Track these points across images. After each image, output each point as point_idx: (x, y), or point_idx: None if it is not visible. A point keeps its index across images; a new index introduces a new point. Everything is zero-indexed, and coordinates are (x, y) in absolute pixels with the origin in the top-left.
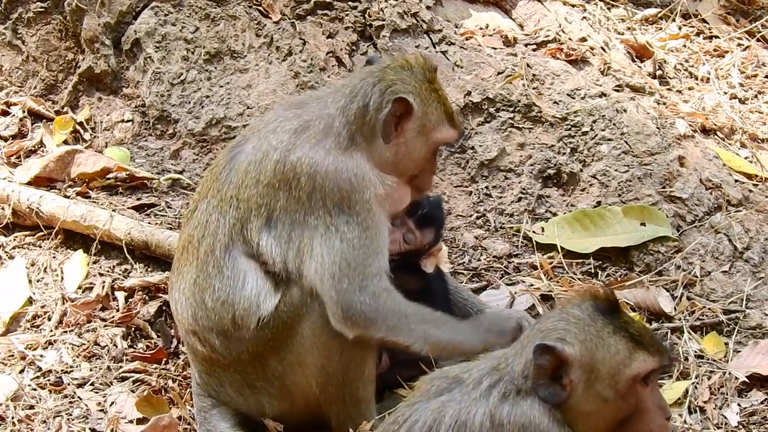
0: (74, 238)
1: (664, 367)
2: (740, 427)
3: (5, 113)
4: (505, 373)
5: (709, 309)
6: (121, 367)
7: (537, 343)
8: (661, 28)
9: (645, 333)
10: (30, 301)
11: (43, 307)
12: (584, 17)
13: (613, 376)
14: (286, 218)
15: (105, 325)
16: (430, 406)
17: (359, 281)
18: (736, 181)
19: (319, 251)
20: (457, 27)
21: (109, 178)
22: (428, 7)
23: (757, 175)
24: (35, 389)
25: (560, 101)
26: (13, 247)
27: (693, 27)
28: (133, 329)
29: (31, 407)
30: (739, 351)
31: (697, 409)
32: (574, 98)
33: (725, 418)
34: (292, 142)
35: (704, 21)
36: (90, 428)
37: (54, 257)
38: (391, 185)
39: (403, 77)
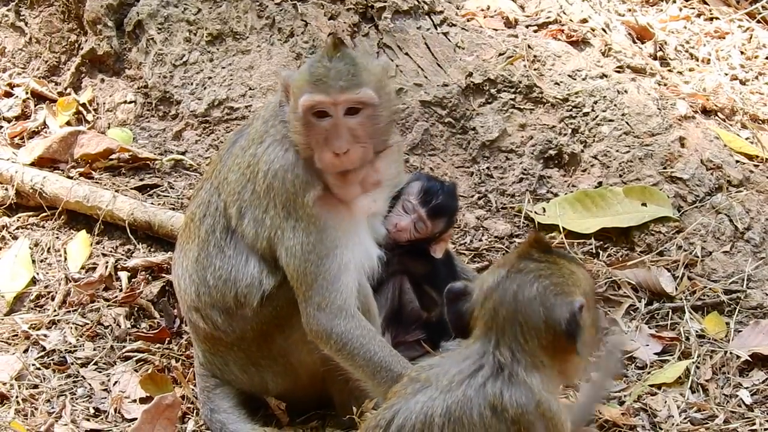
0: (77, 219)
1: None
2: (742, 405)
3: (9, 95)
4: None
5: (710, 289)
6: (124, 346)
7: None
8: (661, 10)
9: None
10: (33, 281)
11: (46, 287)
12: None
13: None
14: (251, 212)
15: (108, 305)
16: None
17: (304, 290)
18: (737, 161)
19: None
20: (458, 8)
21: (111, 159)
22: None
23: (757, 156)
24: (39, 369)
25: (561, 82)
26: (17, 228)
27: (693, 8)
28: (136, 309)
29: (35, 386)
30: (740, 331)
31: (699, 388)
32: (575, 79)
33: (727, 397)
34: (260, 135)
35: (705, 2)
36: (93, 407)
37: (57, 237)
38: (332, 185)
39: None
